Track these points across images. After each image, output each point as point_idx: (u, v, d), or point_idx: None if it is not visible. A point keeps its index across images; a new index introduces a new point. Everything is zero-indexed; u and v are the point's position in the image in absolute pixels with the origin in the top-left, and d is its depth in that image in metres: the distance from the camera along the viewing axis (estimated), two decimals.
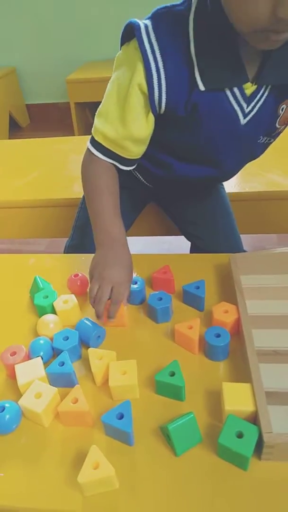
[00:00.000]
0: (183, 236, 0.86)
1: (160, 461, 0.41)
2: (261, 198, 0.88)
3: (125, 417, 0.41)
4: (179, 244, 0.85)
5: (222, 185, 0.84)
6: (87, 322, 0.53)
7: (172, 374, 0.46)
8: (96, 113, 0.60)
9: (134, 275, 0.59)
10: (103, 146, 0.59)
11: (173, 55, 0.51)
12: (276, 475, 0.39)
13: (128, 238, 0.85)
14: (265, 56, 0.52)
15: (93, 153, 0.61)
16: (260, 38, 0.45)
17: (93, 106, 0.61)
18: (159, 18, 0.52)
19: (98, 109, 0.60)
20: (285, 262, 0.59)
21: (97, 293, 0.54)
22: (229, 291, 0.59)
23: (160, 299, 0.55)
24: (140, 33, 0.51)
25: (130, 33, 0.53)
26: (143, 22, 0.52)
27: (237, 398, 0.42)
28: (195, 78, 0.52)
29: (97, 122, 0.59)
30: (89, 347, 0.51)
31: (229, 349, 0.50)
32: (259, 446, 0.39)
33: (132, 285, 0.57)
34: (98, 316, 0.54)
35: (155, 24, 0.51)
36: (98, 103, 0.61)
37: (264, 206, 0.90)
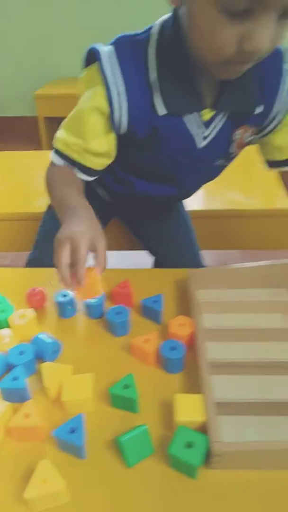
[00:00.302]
0: (146, 251, 0.88)
1: (112, 473, 0.41)
2: (221, 215, 0.92)
3: (77, 431, 0.41)
4: (144, 259, 0.87)
5: (182, 202, 0.87)
6: (43, 336, 0.53)
7: (126, 387, 0.46)
8: (58, 128, 0.62)
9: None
10: (63, 153, 0.61)
11: (134, 80, 0.53)
12: (225, 483, 0.40)
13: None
14: (222, 84, 0.55)
15: (55, 164, 0.62)
16: (223, 69, 0.48)
17: (61, 121, 0.62)
18: (121, 44, 0.54)
19: (61, 125, 0.61)
20: (240, 277, 0.62)
21: (73, 256, 0.46)
22: (186, 305, 0.60)
23: (119, 313, 0.56)
24: (102, 58, 0.53)
25: (92, 57, 0.55)
26: (106, 48, 0.54)
27: (188, 409, 0.43)
28: (154, 104, 0.54)
29: (58, 133, 0.61)
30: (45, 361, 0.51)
31: (185, 362, 0.52)
32: (210, 455, 0.40)
33: (90, 300, 0.57)
34: (78, 281, 0.46)
35: (117, 49, 0.53)
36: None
37: (224, 223, 0.94)
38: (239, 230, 0.94)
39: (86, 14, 2.37)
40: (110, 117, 0.55)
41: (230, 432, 0.43)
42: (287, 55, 0.58)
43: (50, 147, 0.64)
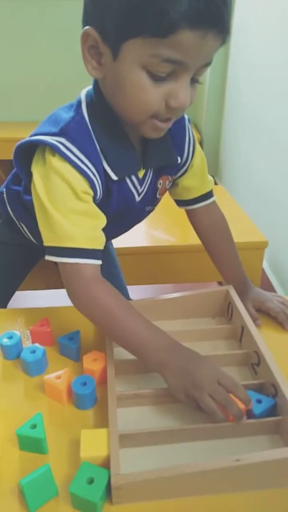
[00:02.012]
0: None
1: None
2: (147, 252, 0.97)
3: None
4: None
5: (111, 241, 0.91)
6: None
7: (34, 427, 0.46)
8: (43, 227, 0.55)
9: (17, 332, 0.59)
10: (78, 249, 0.53)
11: (93, 156, 0.54)
12: None
13: (18, 292, 0.86)
14: (143, 144, 0.60)
15: (74, 263, 0.53)
16: (151, 127, 0.52)
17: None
18: (68, 132, 0.54)
19: (43, 224, 0.55)
20: (154, 310, 0.65)
21: (217, 399, 0.46)
22: (103, 340, 0.62)
23: (33, 351, 0.57)
24: (63, 150, 0.52)
25: (33, 149, 0.55)
26: (56, 141, 0.53)
27: (93, 444, 0.44)
28: (106, 170, 0.56)
29: (59, 230, 0.53)
30: None
31: (98, 397, 0.53)
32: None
33: (3, 340, 0.57)
34: (240, 417, 0.46)
35: (68, 138, 0.53)
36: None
37: (150, 259, 0.98)
38: (165, 265, 0.99)
39: (32, 61, 2.45)
40: (94, 192, 0.55)
41: (132, 464, 0.44)
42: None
43: None
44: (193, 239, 0.76)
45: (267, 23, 1.59)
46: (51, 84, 2.39)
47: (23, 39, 2.37)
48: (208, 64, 0.49)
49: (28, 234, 0.76)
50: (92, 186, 0.55)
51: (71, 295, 0.56)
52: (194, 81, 0.50)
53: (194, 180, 0.69)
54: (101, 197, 0.58)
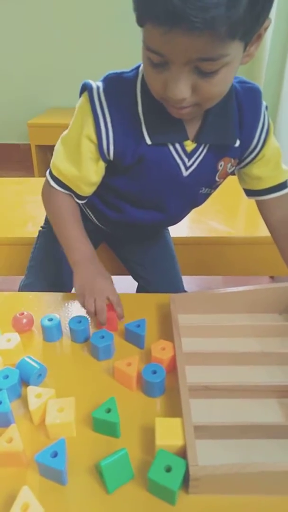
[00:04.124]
0: (131, 276, 0.90)
1: (92, 499, 0.41)
2: (203, 242, 0.96)
3: (59, 456, 0.42)
4: (127, 283, 0.89)
5: (168, 230, 0.90)
6: (28, 360, 0.54)
7: (108, 411, 0.47)
8: (54, 148, 0.66)
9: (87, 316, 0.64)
10: (60, 180, 0.66)
11: (121, 113, 0.58)
12: (204, 509, 0.40)
13: None
14: (202, 120, 0.59)
15: (52, 185, 0.67)
16: (169, 107, 0.54)
17: (53, 150, 0.68)
18: (109, 81, 0.60)
19: (56, 146, 0.65)
20: (219, 302, 0.64)
21: (96, 305, 0.60)
22: (168, 329, 0.62)
23: (102, 337, 0.58)
24: (92, 93, 0.59)
25: (85, 91, 0.61)
26: (96, 84, 0.60)
27: (168, 433, 0.44)
28: (142, 133, 0.58)
29: (55, 158, 0.66)
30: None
31: (166, 386, 0.53)
32: (188, 479, 0.41)
33: (76, 323, 0.60)
34: (103, 323, 0.60)
35: (105, 85, 0.59)
36: None
37: (205, 250, 0.97)
38: (218, 256, 0.98)
39: (81, 48, 2.48)
40: (99, 145, 0.61)
41: (208, 455, 0.44)
42: (262, 93, 0.63)
43: (42, 174, 0.68)
44: (249, 231, 0.74)
45: None
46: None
47: (83, 28, 2.40)
48: (203, 59, 0.45)
49: (92, 216, 0.78)
50: (98, 135, 0.60)
51: (46, 199, 0.70)
52: (204, 74, 0.47)
53: (266, 169, 0.67)
54: (111, 154, 0.62)
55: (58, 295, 0.72)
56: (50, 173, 0.67)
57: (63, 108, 2.55)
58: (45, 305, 0.69)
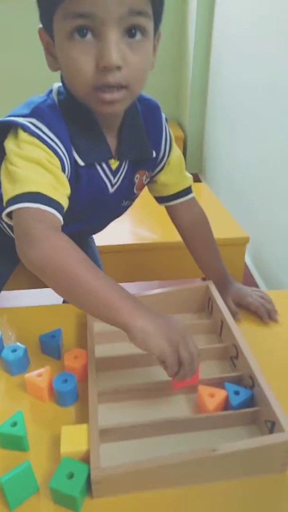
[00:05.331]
0: None
1: None
2: (130, 249, 0.97)
3: None
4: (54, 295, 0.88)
5: (92, 238, 0.91)
6: None
7: (14, 425, 0.46)
8: (6, 189, 0.52)
9: None
10: (28, 193, 0.50)
11: (63, 137, 0.56)
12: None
13: (3, 292, 0.86)
14: (118, 136, 0.61)
15: (38, 208, 0.49)
16: (97, 100, 0.52)
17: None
18: (39, 113, 0.55)
19: (3, 184, 0.53)
20: None
21: (189, 353, 0.47)
22: (85, 337, 0.62)
23: (14, 350, 0.57)
24: (33, 129, 0.53)
25: (8, 129, 0.56)
26: (27, 121, 0.54)
27: (73, 440, 0.44)
28: (74, 156, 0.57)
29: (8, 189, 0.51)
30: None
31: (79, 393, 0.53)
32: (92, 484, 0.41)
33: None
34: (194, 371, 0.48)
35: (39, 119, 0.54)
36: None
37: (134, 256, 0.99)
38: (145, 262, 1.00)
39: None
40: (60, 162, 0.55)
41: (116, 458, 0.44)
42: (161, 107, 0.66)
43: None
44: (176, 236, 0.77)
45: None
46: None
47: None
48: (134, 12, 0.47)
49: (8, 230, 0.76)
50: (61, 162, 0.55)
51: (29, 243, 0.47)
52: (132, 35, 0.48)
53: (172, 176, 0.70)
54: (69, 176, 0.57)
55: None
56: (23, 198, 0.50)
57: None
58: None
